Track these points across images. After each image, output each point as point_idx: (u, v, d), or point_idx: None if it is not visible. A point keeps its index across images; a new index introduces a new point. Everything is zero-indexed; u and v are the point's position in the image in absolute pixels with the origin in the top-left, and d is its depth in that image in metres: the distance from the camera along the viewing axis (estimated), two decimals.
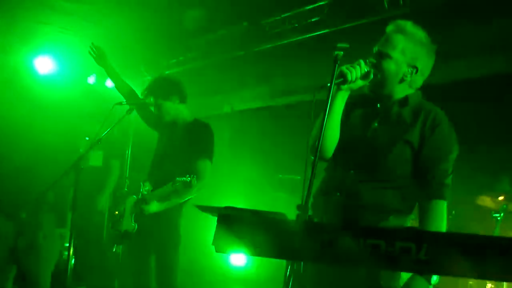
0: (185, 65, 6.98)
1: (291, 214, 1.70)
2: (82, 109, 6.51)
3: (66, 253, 5.09)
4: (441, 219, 2.27)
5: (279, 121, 6.89)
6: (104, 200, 5.15)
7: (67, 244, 3.56)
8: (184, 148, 3.66)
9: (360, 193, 2.33)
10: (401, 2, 4.51)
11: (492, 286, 4.32)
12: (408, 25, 2.36)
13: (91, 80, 7.40)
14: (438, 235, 1.46)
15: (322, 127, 1.96)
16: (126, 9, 5.77)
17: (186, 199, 3.58)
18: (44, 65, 6.85)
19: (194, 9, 5.78)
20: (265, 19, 5.72)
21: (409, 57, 2.35)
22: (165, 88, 3.75)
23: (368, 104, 2.51)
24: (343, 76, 2.16)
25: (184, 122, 3.80)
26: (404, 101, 2.42)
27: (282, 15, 5.57)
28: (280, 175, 7.29)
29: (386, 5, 4.60)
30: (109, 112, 3.87)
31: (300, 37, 5.36)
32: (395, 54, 2.34)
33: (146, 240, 3.67)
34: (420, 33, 2.37)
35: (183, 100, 3.81)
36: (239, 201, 6.34)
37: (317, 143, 1.94)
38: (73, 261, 5.14)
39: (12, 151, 6.23)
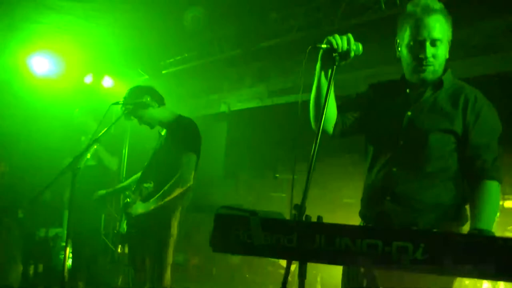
0: (182, 65, 6.97)
1: (287, 213, 1.70)
2: (79, 108, 6.50)
3: (63, 252, 5.10)
4: (498, 201, 2.15)
5: (276, 121, 6.89)
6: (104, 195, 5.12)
7: (64, 244, 3.54)
8: (169, 146, 3.70)
9: (412, 195, 2.17)
10: (398, 2, 4.52)
11: (489, 285, 4.33)
12: (437, 3, 2.20)
13: (88, 80, 7.38)
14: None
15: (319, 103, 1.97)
16: (123, 9, 5.75)
17: (173, 195, 3.55)
18: (40, 65, 6.84)
19: (192, 9, 5.77)
20: (262, 19, 5.72)
21: (450, 33, 2.22)
22: (140, 97, 3.71)
23: (394, 91, 2.34)
24: (329, 43, 2.04)
25: (168, 122, 3.81)
26: (439, 84, 2.25)
27: (279, 15, 5.58)
28: (277, 175, 7.29)
29: (383, 5, 4.61)
30: (105, 112, 3.86)
31: (297, 37, 5.35)
32: (444, 36, 2.19)
33: (142, 239, 3.72)
34: (441, 4, 2.22)
35: (161, 102, 3.81)
36: (236, 200, 6.35)
37: (314, 147, 1.81)
38: (69, 260, 5.13)
39: (9, 151, 6.23)
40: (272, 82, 7.04)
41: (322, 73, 2.19)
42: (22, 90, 6.69)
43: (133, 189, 3.71)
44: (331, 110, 2.30)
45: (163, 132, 3.86)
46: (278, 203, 6.75)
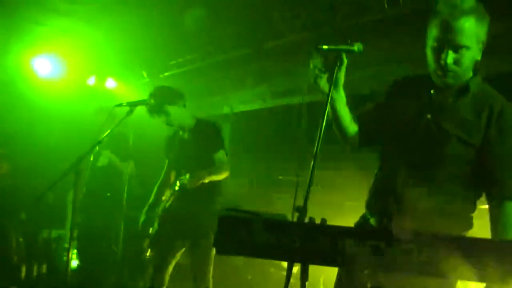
0: (185, 67, 6.97)
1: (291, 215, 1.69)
2: (82, 110, 6.52)
3: (66, 253, 5.11)
4: None
5: (278, 122, 6.89)
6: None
7: (67, 245, 3.55)
8: (201, 147, 3.85)
9: (417, 198, 2.08)
10: (401, 1, 4.50)
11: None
12: (469, 2, 2.01)
13: (91, 81, 7.40)
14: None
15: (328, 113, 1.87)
16: (126, 11, 5.75)
17: (219, 176, 3.78)
18: (43, 66, 6.85)
19: (193, 11, 5.77)
20: (264, 20, 5.71)
21: (481, 36, 2.04)
22: (170, 94, 3.92)
23: (419, 89, 2.22)
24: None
25: (191, 124, 4.00)
26: (465, 88, 2.12)
27: (282, 15, 5.57)
28: (280, 176, 7.28)
29: (386, 5, 4.59)
30: (109, 113, 3.88)
31: (300, 37, 5.35)
32: (472, 42, 2.01)
33: (179, 235, 3.85)
34: (475, 2, 2.03)
35: (185, 104, 3.99)
36: (239, 202, 6.33)
37: (315, 148, 1.81)
38: (74, 262, 5.15)
39: (12, 152, 6.24)
40: (275, 83, 7.03)
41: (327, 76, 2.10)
42: (26, 92, 6.71)
43: (176, 183, 3.79)
44: (345, 117, 2.24)
45: (186, 135, 4.00)
46: (281, 205, 6.74)
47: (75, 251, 5.14)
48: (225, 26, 6.05)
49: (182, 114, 3.95)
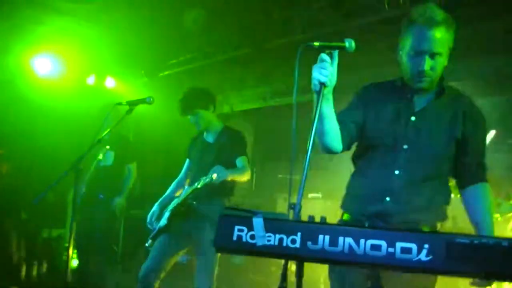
0: (185, 66, 6.97)
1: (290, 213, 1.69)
2: (81, 109, 6.52)
3: (66, 253, 5.10)
4: (492, 200, 2.33)
5: (278, 121, 6.89)
6: (123, 204, 5.21)
7: (67, 245, 3.55)
8: (225, 151, 3.98)
9: (414, 195, 2.27)
10: (401, 2, 4.50)
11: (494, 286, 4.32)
12: (441, 14, 2.19)
13: (90, 80, 7.40)
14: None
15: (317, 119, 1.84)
16: (126, 10, 5.76)
17: (240, 178, 3.90)
18: (42, 66, 6.85)
19: (194, 10, 5.77)
20: (265, 19, 5.71)
21: (450, 43, 2.25)
22: (204, 98, 4.06)
23: (395, 94, 2.39)
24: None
25: (217, 128, 4.13)
26: (440, 91, 2.33)
27: (282, 15, 5.57)
28: (280, 175, 7.29)
29: (386, 5, 4.59)
30: (109, 112, 3.88)
31: (300, 37, 5.34)
32: (444, 49, 2.22)
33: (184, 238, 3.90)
34: (445, 14, 2.22)
35: (215, 109, 4.15)
36: (240, 201, 6.33)
37: (309, 141, 1.80)
38: (75, 261, 5.15)
39: (12, 152, 6.24)
40: (275, 83, 7.04)
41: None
42: (26, 91, 6.70)
43: (200, 180, 3.80)
44: (333, 124, 2.22)
45: (211, 137, 4.12)
46: (282, 203, 6.75)
47: (75, 250, 5.13)
48: (225, 25, 6.06)
49: (211, 119, 4.08)
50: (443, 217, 2.36)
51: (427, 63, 2.20)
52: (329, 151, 2.27)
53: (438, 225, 2.34)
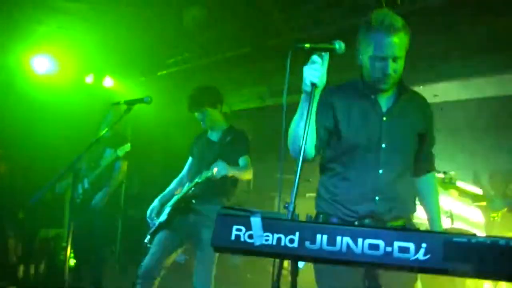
0: (183, 65, 6.97)
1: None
2: (80, 109, 6.51)
3: (63, 253, 5.10)
4: (437, 189, 2.73)
5: (276, 121, 6.87)
6: (103, 198, 5.12)
7: (65, 244, 3.54)
8: (228, 149, 4.02)
9: (397, 191, 2.42)
10: (399, 1, 4.51)
11: (490, 285, 4.33)
12: (399, 21, 2.35)
13: (89, 79, 7.39)
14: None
15: (304, 126, 1.90)
16: (124, 9, 5.75)
17: (243, 176, 3.93)
18: (41, 64, 6.84)
19: (192, 9, 5.77)
20: (264, 19, 5.71)
21: (407, 47, 2.40)
22: (212, 97, 4.11)
23: (358, 95, 2.46)
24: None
25: (223, 127, 4.16)
26: (403, 90, 2.49)
27: (281, 14, 5.57)
28: (278, 175, 7.25)
29: (384, 5, 4.60)
30: (107, 112, 3.88)
31: (299, 37, 5.35)
32: (403, 52, 2.37)
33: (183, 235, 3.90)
34: (402, 20, 2.37)
35: (221, 108, 4.19)
36: (238, 201, 6.33)
37: (302, 142, 1.88)
38: (71, 260, 5.13)
39: (10, 151, 6.23)
40: (273, 82, 7.03)
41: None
42: (24, 91, 6.69)
43: (202, 175, 3.82)
44: (313, 128, 2.33)
45: (215, 136, 4.15)
46: (280, 203, 6.73)
47: (73, 250, 5.12)
48: (223, 25, 6.05)
49: (217, 117, 4.13)
50: (415, 209, 2.55)
51: (391, 67, 2.32)
52: (304, 157, 2.18)
53: (412, 217, 2.53)
